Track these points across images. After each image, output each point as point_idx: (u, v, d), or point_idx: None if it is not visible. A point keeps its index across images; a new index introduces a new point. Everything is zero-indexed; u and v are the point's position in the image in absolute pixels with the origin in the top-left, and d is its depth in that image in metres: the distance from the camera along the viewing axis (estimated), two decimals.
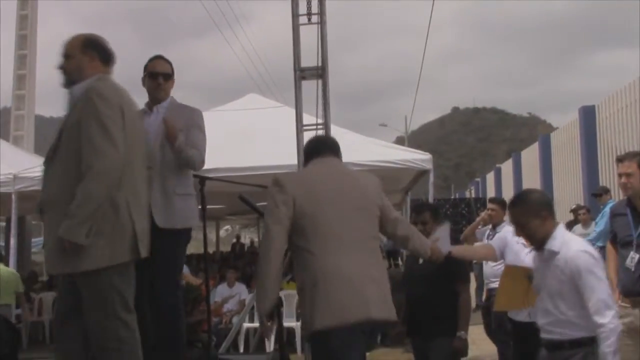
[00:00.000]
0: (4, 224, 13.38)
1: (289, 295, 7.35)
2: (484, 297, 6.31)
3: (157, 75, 3.85)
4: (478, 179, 30.33)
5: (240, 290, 8.47)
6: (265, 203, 2.99)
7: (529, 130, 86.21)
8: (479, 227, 6.07)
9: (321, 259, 2.84)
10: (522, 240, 3.57)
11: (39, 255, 15.11)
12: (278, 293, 3.00)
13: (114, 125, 2.96)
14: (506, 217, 4.69)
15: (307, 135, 4.88)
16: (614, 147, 11.70)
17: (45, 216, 3.07)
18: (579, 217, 9.34)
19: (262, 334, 6.30)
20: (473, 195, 21.07)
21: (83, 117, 2.96)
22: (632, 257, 3.68)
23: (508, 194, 18.24)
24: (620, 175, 3.84)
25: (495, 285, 4.74)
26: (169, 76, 3.90)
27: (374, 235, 3.07)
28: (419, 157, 7.95)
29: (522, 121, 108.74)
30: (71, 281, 3.04)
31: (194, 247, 11.64)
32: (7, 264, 8.37)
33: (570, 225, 9.77)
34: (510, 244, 4.17)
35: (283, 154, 6.67)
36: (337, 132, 6.52)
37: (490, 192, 23.19)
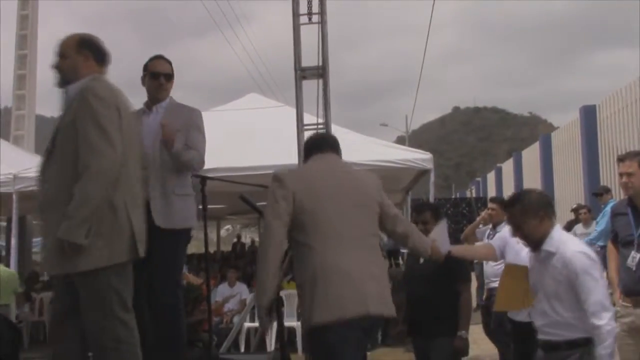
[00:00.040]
0: (4, 223, 13.38)
1: (290, 295, 7.35)
2: (484, 296, 6.30)
3: (159, 75, 3.86)
4: (479, 179, 30.33)
5: (241, 290, 8.47)
6: (265, 203, 3.00)
7: (529, 129, 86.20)
8: (480, 226, 6.07)
9: (321, 254, 2.85)
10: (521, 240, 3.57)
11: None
12: (277, 287, 3.00)
13: (110, 125, 2.96)
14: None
15: (308, 135, 4.88)
16: (614, 147, 11.69)
17: (43, 216, 3.07)
18: (580, 217, 9.35)
19: (262, 330, 6.30)
20: (474, 195, 21.08)
21: (79, 117, 2.95)
22: (633, 256, 3.68)
23: (509, 193, 18.20)
24: (621, 175, 3.84)
25: (496, 284, 4.73)
26: (170, 76, 3.91)
27: (373, 232, 3.07)
28: (419, 157, 7.94)
29: (523, 121, 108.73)
30: (69, 281, 3.03)
31: (195, 247, 11.69)
32: (8, 264, 8.38)
33: (571, 225, 9.78)
34: (511, 243, 4.16)
35: (284, 153, 6.67)
36: (338, 132, 6.51)
37: (491, 192, 23.18)
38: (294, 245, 2.96)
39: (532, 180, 16.98)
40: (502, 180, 22.44)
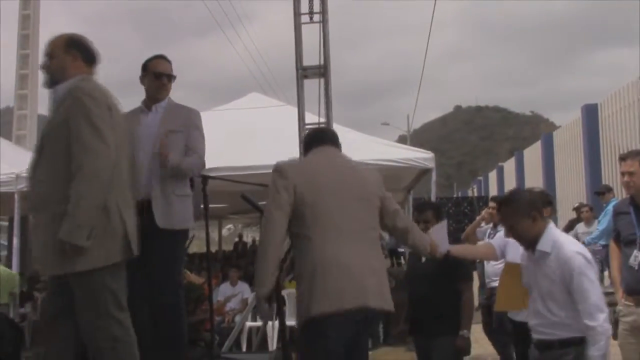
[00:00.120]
0: (6, 223, 13.39)
1: (292, 295, 7.34)
2: (485, 296, 6.29)
3: (162, 75, 3.85)
4: (480, 178, 30.34)
5: (243, 289, 8.47)
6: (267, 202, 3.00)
7: (531, 128, 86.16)
8: (482, 225, 6.06)
9: (320, 246, 2.85)
10: None
11: None
12: (277, 277, 2.98)
13: (103, 124, 2.96)
14: None
15: None
16: (616, 146, 11.69)
17: (35, 216, 3.06)
18: (582, 216, 9.34)
19: (263, 323, 6.30)
20: (475, 194, 21.06)
21: (72, 117, 2.94)
22: (636, 255, 3.67)
23: None
24: (623, 174, 3.83)
25: (497, 284, 4.73)
26: (172, 77, 3.91)
27: (373, 226, 3.07)
28: (421, 156, 7.93)
29: (525, 120, 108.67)
30: (62, 282, 3.01)
31: (196, 246, 11.70)
32: (10, 264, 8.39)
33: (573, 224, 9.78)
34: (511, 242, 4.14)
35: (285, 153, 6.61)
36: (339, 131, 6.49)
37: (493, 191, 23.18)
38: (293, 237, 2.95)
39: (534, 179, 16.97)
40: (503, 180, 22.44)
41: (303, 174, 2.96)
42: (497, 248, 3.73)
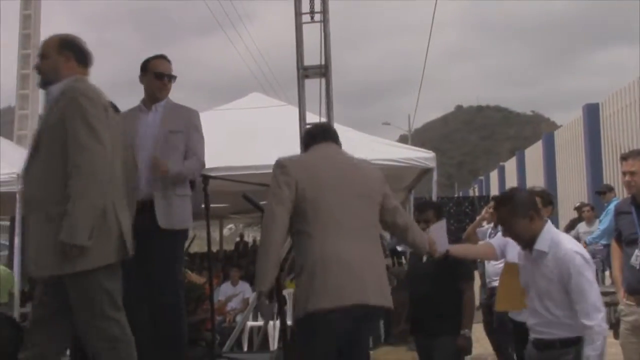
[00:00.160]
0: (7, 223, 13.39)
1: (293, 294, 7.34)
2: (485, 295, 6.29)
3: (163, 75, 3.86)
4: (482, 177, 30.31)
5: (244, 289, 8.47)
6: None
7: (532, 128, 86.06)
8: (484, 224, 6.05)
9: (320, 243, 2.85)
10: None
11: None
12: (277, 272, 2.98)
13: (99, 124, 2.96)
14: None
15: None
16: (618, 145, 11.68)
17: (29, 217, 3.05)
18: (583, 215, 9.34)
19: (265, 320, 6.30)
20: (477, 194, 21.06)
21: (67, 117, 2.94)
22: (637, 255, 3.67)
23: None
24: (624, 174, 3.83)
25: (497, 283, 4.73)
26: (173, 77, 3.91)
27: (374, 224, 3.07)
28: (422, 156, 7.93)
29: (526, 119, 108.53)
30: (57, 282, 2.99)
31: (197, 246, 11.70)
32: (11, 264, 8.39)
33: (574, 223, 9.78)
34: (512, 242, 4.14)
35: (286, 152, 6.61)
36: (341, 131, 6.49)
37: (494, 191, 23.16)
38: (293, 234, 2.95)
39: (535, 179, 16.95)
40: (505, 179, 22.42)
41: (305, 170, 2.95)
42: (497, 248, 3.73)
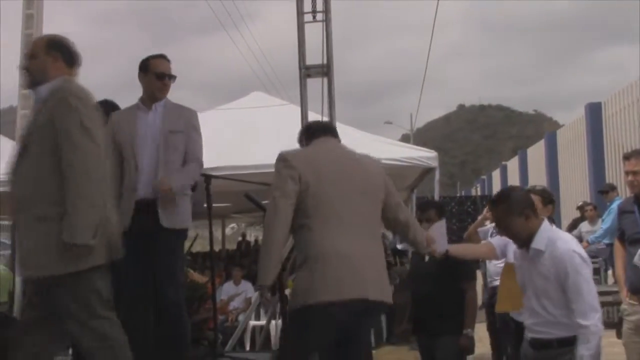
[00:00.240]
0: (8, 222, 13.40)
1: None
2: (488, 295, 6.29)
3: (164, 75, 3.85)
4: (484, 177, 30.31)
5: (247, 288, 8.48)
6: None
7: (535, 127, 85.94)
8: (486, 224, 6.04)
9: (321, 236, 2.84)
10: None
11: None
12: (280, 266, 2.96)
13: (92, 124, 2.95)
14: None
15: None
16: (620, 144, 11.67)
17: (18, 217, 3.01)
18: (586, 214, 9.33)
19: (265, 322, 6.28)
20: (479, 193, 21.05)
21: (59, 117, 2.92)
22: None
23: None
24: (627, 173, 3.82)
25: (498, 283, 4.73)
26: (173, 77, 3.91)
27: (375, 219, 3.06)
28: (424, 155, 7.92)
29: (528, 118, 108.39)
30: (49, 284, 2.95)
31: (200, 245, 11.68)
32: (13, 263, 8.38)
33: (576, 222, 9.77)
34: (512, 242, 4.14)
35: None
36: (343, 130, 6.50)
37: (496, 190, 23.12)
38: (295, 228, 2.92)
39: (538, 178, 16.94)
40: (507, 178, 22.42)
41: (308, 164, 2.94)
42: (497, 247, 3.72)
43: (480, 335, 5.77)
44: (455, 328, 3.90)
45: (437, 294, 3.93)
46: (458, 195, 30.25)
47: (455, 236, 6.98)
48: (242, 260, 11.67)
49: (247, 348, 7.45)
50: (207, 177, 4.28)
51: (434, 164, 7.83)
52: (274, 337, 7.15)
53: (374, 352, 3.33)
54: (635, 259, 3.68)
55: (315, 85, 5.85)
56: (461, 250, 3.70)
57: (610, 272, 8.32)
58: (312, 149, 3.14)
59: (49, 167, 2.92)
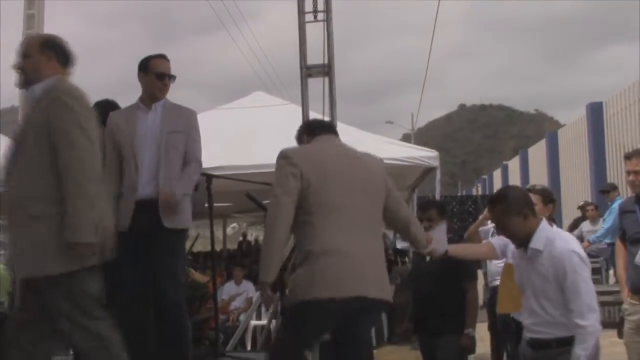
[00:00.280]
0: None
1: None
2: (488, 295, 6.29)
3: (164, 75, 3.86)
4: (485, 176, 30.30)
5: (248, 288, 8.49)
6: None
7: (536, 127, 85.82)
8: (488, 223, 6.04)
9: (322, 234, 2.84)
10: None
11: None
12: (282, 263, 2.96)
13: (88, 123, 2.96)
14: None
15: None
16: (621, 144, 11.66)
17: (11, 217, 3.00)
18: (587, 214, 9.33)
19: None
20: (480, 193, 21.04)
21: (54, 116, 2.92)
22: None
23: None
24: (628, 173, 3.82)
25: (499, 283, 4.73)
26: (173, 77, 3.91)
27: (376, 218, 3.06)
28: (425, 154, 7.92)
29: (529, 118, 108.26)
30: (43, 284, 2.94)
31: (201, 245, 11.67)
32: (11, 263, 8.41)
33: (577, 222, 9.77)
34: None
35: None
36: (344, 130, 6.50)
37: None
38: (295, 225, 2.92)
39: (539, 178, 16.92)
40: (508, 178, 22.39)
41: (309, 161, 2.94)
42: (497, 247, 3.70)
43: (482, 334, 5.77)
44: (456, 327, 3.90)
45: (438, 294, 3.93)
46: (459, 194, 30.23)
47: (456, 236, 6.98)
48: (243, 260, 11.67)
49: (248, 348, 7.46)
50: (209, 177, 4.29)
51: (435, 163, 7.83)
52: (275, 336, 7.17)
53: (375, 351, 3.32)
54: (637, 258, 3.68)
55: (317, 85, 5.86)
56: (461, 250, 3.69)
57: (611, 271, 8.32)
58: (313, 146, 3.13)
59: (45, 167, 2.91)
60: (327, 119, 5.70)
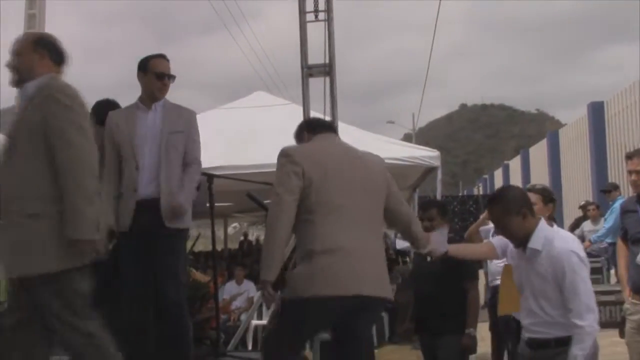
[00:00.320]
0: None
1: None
2: (489, 295, 6.28)
3: (164, 75, 3.86)
4: (486, 176, 30.27)
5: (249, 288, 8.49)
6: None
7: (537, 126, 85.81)
8: (487, 223, 6.03)
9: (323, 232, 2.84)
10: None
11: None
12: (283, 262, 2.95)
13: (84, 121, 2.96)
14: None
15: None
16: (622, 144, 11.65)
17: (5, 216, 2.98)
18: (588, 214, 9.32)
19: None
20: (481, 192, 21.01)
21: (49, 114, 2.91)
22: None
23: None
24: (630, 173, 3.82)
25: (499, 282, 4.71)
26: (173, 77, 3.91)
27: (377, 215, 3.06)
28: (426, 154, 7.92)
29: (530, 117, 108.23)
30: (35, 283, 2.91)
31: (202, 245, 11.71)
32: None
33: (579, 222, 9.76)
34: None
35: None
36: (345, 130, 6.51)
37: None
38: (297, 221, 2.91)
39: (540, 177, 16.90)
40: (509, 178, 22.37)
41: (311, 159, 2.94)
42: (497, 247, 3.70)
43: (483, 334, 5.77)
44: (457, 327, 3.89)
45: (439, 294, 3.93)
46: (460, 194, 30.20)
47: (457, 235, 6.97)
48: (245, 260, 11.68)
49: (250, 347, 7.46)
50: (210, 177, 4.29)
51: (436, 163, 7.83)
52: None
53: (376, 351, 3.32)
54: (638, 258, 3.68)
55: (318, 84, 5.85)
56: (460, 250, 3.68)
57: (612, 271, 8.31)
58: (315, 144, 3.12)
59: (40, 165, 2.91)
60: (328, 118, 5.70)
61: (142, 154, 3.71)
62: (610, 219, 8.21)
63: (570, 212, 13.33)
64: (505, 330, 5.32)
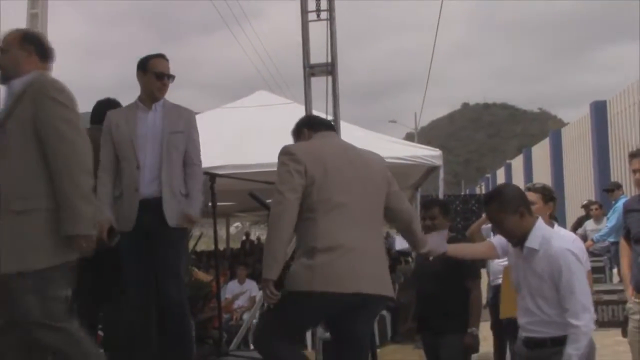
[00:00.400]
0: None
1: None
2: (491, 294, 6.27)
3: (164, 75, 3.85)
4: (488, 175, 30.25)
5: (251, 287, 8.49)
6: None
7: (539, 125, 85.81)
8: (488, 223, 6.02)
9: (324, 230, 2.84)
10: None
11: None
12: (285, 260, 2.94)
13: (76, 118, 2.95)
14: None
15: None
16: (625, 143, 11.64)
17: None
18: (591, 213, 9.31)
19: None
20: (483, 191, 21.01)
21: (41, 111, 2.90)
22: None
23: None
24: (634, 172, 3.81)
25: (501, 281, 4.71)
26: (172, 77, 3.91)
27: (378, 214, 3.06)
28: (428, 153, 7.92)
29: (533, 117, 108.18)
30: (13, 281, 2.85)
31: (204, 244, 11.71)
32: None
33: (581, 221, 9.74)
34: None
35: None
36: (347, 129, 6.51)
37: None
38: (298, 219, 2.90)
39: (542, 177, 16.91)
40: (511, 177, 22.37)
41: (312, 157, 2.93)
42: (497, 246, 3.69)
43: (485, 334, 5.76)
44: (460, 327, 3.89)
45: (441, 293, 3.92)
46: (462, 193, 30.24)
47: (460, 234, 6.97)
48: (247, 259, 11.69)
49: (252, 346, 7.46)
50: (212, 176, 4.29)
51: (439, 162, 7.82)
52: None
53: (378, 350, 3.32)
54: None
55: (320, 84, 5.85)
56: (460, 250, 3.67)
57: (615, 270, 8.30)
58: (315, 142, 3.12)
59: (33, 161, 2.89)
60: (330, 117, 5.70)
61: (143, 153, 3.71)
62: (612, 218, 8.20)
63: (573, 211, 13.32)
64: (508, 331, 5.31)
